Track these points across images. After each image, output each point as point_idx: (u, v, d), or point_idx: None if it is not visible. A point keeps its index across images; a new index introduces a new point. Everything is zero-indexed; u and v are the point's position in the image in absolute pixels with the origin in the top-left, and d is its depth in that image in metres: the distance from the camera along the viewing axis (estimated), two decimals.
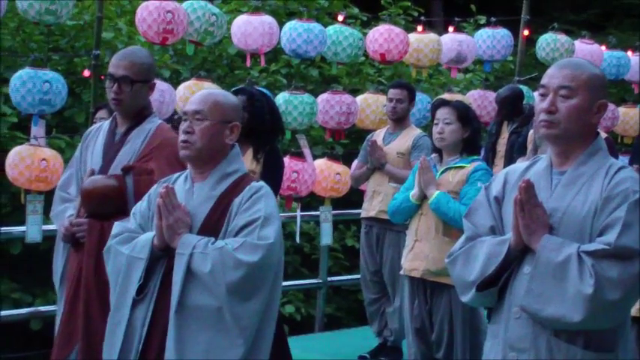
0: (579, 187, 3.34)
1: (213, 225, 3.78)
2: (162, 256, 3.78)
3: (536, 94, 6.14)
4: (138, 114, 4.86)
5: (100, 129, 4.99)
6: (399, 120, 7.43)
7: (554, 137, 3.37)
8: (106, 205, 4.70)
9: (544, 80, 3.40)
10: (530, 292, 3.27)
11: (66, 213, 4.90)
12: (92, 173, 4.80)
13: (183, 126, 3.84)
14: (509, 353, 3.36)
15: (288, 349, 5.26)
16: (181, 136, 3.84)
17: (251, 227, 3.70)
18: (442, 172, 5.84)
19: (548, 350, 3.29)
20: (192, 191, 3.86)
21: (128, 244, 3.84)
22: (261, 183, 3.86)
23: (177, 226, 3.73)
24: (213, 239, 3.71)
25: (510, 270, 3.37)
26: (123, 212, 4.47)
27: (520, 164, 3.64)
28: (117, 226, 3.97)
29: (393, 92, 7.47)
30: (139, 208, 4.00)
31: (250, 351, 3.69)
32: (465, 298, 3.49)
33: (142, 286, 3.78)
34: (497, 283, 3.39)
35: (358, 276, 7.89)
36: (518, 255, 3.35)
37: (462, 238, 3.53)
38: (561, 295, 3.21)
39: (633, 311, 5.00)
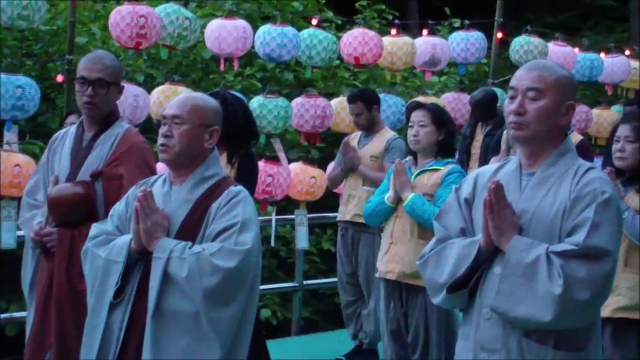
0: (548, 187, 3.36)
1: (190, 229, 3.77)
2: (139, 259, 3.77)
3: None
4: (106, 118, 4.79)
5: (66, 134, 4.90)
6: (368, 128, 7.42)
7: (524, 138, 3.39)
8: (74, 213, 4.63)
9: (513, 82, 3.42)
10: (500, 293, 3.28)
11: (34, 220, 4.82)
12: (56, 181, 4.73)
13: (162, 130, 3.82)
14: (480, 354, 3.37)
15: (267, 353, 5.26)
16: (160, 140, 3.82)
17: (229, 232, 3.69)
18: (417, 175, 5.84)
19: (519, 351, 3.30)
20: (169, 194, 3.84)
21: (105, 247, 3.83)
22: (240, 187, 3.85)
23: (155, 229, 3.72)
24: (190, 244, 3.70)
25: (481, 271, 3.39)
26: (92, 219, 4.40)
27: (490, 166, 3.65)
28: (94, 228, 3.96)
29: (349, 107, 7.48)
30: (117, 209, 3.99)
31: (227, 356, 3.69)
32: (436, 300, 3.50)
33: (120, 289, 3.77)
34: (467, 285, 3.40)
35: (334, 279, 7.90)
36: (488, 256, 3.36)
37: (433, 241, 3.54)
38: (531, 295, 3.22)
39: (608, 312, 5.04)
